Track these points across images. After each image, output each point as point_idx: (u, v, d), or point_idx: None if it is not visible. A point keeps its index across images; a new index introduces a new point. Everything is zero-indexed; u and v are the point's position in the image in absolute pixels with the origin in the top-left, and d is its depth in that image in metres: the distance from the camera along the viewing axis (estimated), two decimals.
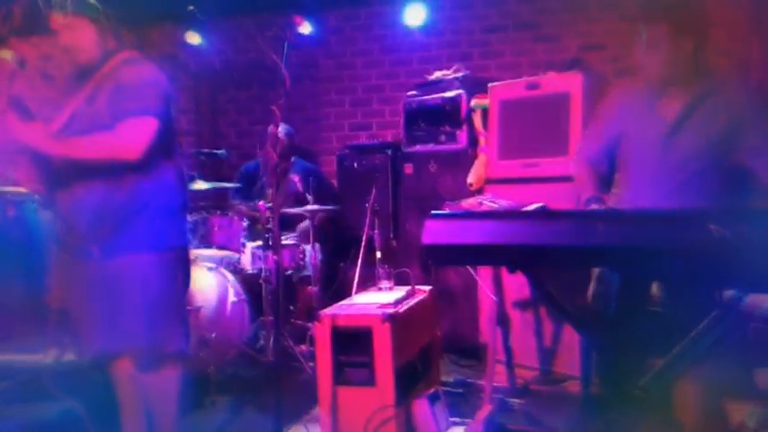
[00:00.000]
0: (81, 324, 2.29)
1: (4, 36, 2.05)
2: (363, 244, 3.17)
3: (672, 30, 2.08)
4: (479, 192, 3.71)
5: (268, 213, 3.56)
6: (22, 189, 4.61)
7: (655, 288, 2.26)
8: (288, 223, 4.22)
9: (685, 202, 2.10)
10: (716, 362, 2.06)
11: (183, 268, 2.38)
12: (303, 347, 3.80)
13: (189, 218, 3.84)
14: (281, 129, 4.32)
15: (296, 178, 4.25)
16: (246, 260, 3.99)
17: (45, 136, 2.13)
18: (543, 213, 2.16)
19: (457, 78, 4.22)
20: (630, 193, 2.31)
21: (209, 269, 3.67)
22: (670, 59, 2.11)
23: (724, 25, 4.14)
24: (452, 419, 2.73)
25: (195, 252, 3.80)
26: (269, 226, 3.52)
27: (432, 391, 2.72)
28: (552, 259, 1.95)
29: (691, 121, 2.15)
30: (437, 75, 4.36)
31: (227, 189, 4.47)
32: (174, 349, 2.28)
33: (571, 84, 3.44)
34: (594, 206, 2.29)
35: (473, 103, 3.96)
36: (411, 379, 2.80)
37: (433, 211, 1.96)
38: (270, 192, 2.70)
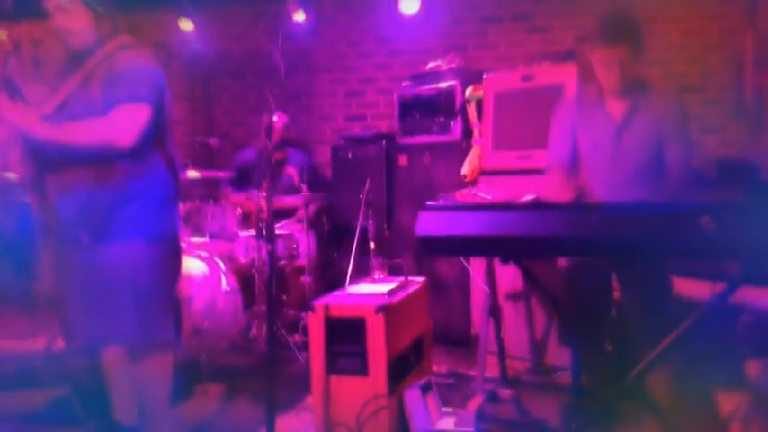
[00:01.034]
0: (70, 311, 2.29)
1: None
2: (357, 234, 3.16)
3: (627, 50, 2.42)
4: (473, 183, 3.72)
5: (262, 202, 3.55)
6: (10, 175, 4.59)
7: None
8: (282, 213, 4.21)
9: (634, 192, 2.38)
10: (704, 353, 2.10)
11: (173, 257, 2.38)
12: (296, 337, 3.81)
13: (182, 207, 3.84)
14: (278, 118, 4.32)
15: (292, 171, 4.24)
16: (240, 249, 3.98)
17: (37, 119, 2.11)
18: (536, 205, 2.18)
19: (451, 69, 4.21)
20: (588, 183, 2.54)
21: (202, 258, 3.66)
22: (622, 73, 2.44)
23: (718, 19, 4.16)
24: (444, 409, 2.74)
25: (188, 241, 3.79)
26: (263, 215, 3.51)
27: (424, 381, 2.73)
28: (544, 250, 1.97)
29: (634, 120, 2.49)
30: (432, 65, 4.34)
31: (219, 178, 4.45)
32: (163, 337, 2.29)
33: (565, 75, 3.44)
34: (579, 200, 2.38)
35: (468, 94, 3.95)
36: (403, 369, 2.81)
37: (427, 203, 1.97)
38: (264, 181, 2.69)
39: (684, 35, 4.21)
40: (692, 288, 2.31)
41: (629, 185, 2.43)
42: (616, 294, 2.54)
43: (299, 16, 4.68)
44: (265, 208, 2.69)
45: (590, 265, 2.45)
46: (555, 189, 2.61)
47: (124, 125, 2.14)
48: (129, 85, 2.15)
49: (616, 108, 2.52)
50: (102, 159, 2.16)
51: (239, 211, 4.03)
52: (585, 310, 2.46)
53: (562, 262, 2.57)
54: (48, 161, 2.20)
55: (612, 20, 2.50)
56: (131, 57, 2.22)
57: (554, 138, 2.71)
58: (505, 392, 3.13)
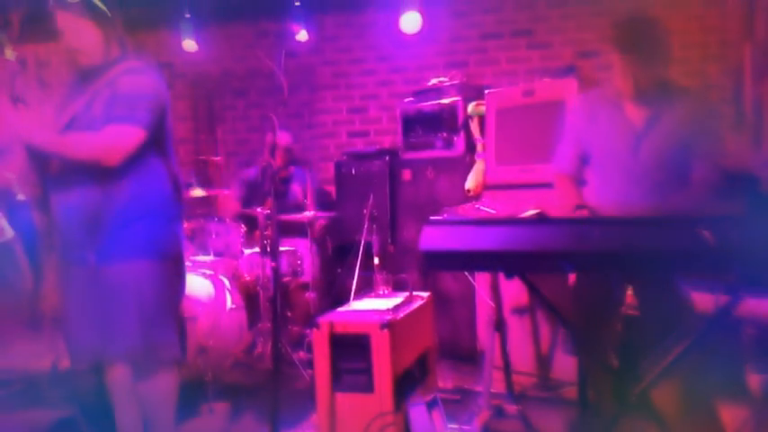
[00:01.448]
0: (75, 329, 2.29)
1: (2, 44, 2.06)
2: (361, 250, 3.17)
3: (641, 58, 2.31)
4: (477, 198, 3.73)
5: (266, 217, 3.56)
6: (19, 196, 4.62)
7: (630, 293, 2.34)
8: (286, 230, 4.22)
9: (656, 201, 2.28)
10: (708, 366, 2.09)
11: (178, 275, 2.38)
12: (301, 354, 3.80)
13: (186, 225, 3.85)
14: (282, 136, 4.35)
15: (296, 188, 4.25)
16: (244, 267, 3.99)
17: (39, 130, 2.14)
18: (540, 219, 2.18)
19: (453, 85, 4.24)
20: (602, 192, 2.43)
21: (207, 276, 3.67)
22: (638, 80, 2.33)
23: (717, 32, 4.19)
24: (450, 426, 2.73)
25: (192, 259, 3.81)
26: (266, 232, 3.53)
27: (429, 397, 2.72)
28: (549, 265, 1.97)
29: (656, 128, 2.35)
30: (434, 81, 4.38)
31: (224, 196, 4.47)
32: (168, 356, 2.28)
33: (566, 90, 3.47)
34: (582, 211, 2.34)
35: (470, 109, 3.98)
36: (409, 385, 2.80)
37: (431, 218, 1.97)
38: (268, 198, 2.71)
39: (684, 48, 4.24)
40: (695, 301, 2.31)
41: (645, 198, 2.32)
42: (622, 308, 2.52)
43: (302, 36, 4.74)
44: (270, 225, 2.71)
45: (597, 278, 2.40)
46: (561, 197, 2.55)
47: (113, 144, 2.16)
48: (128, 107, 2.17)
49: (636, 114, 2.38)
50: (107, 179, 2.18)
51: (244, 228, 4.04)
52: (591, 324, 2.44)
53: (571, 276, 2.54)
54: (53, 180, 2.22)
55: (627, 26, 2.37)
56: (136, 80, 2.24)
57: (563, 140, 2.60)
58: (512, 408, 3.11)
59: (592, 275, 2.40)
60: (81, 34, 2.21)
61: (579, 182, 2.54)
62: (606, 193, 2.42)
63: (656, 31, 2.35)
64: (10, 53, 2.16)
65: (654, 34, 2.34)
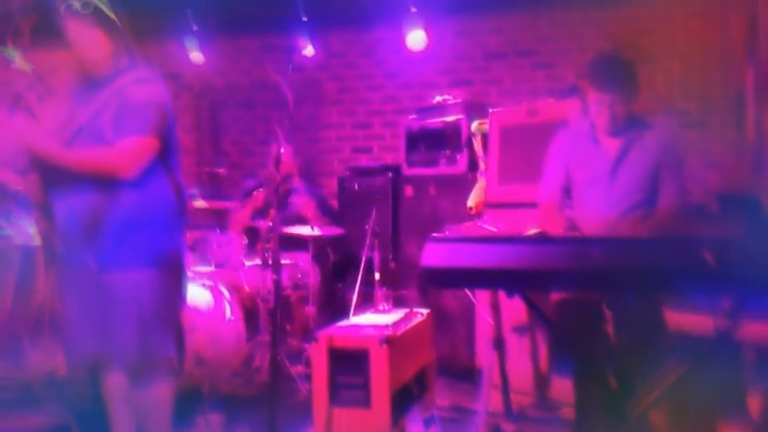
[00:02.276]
0: (73, 334, 2.30)
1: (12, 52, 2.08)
2: (362, 265, 3.17)
3: (615, 96, 2.46)
4: (479, 215, 3.73)
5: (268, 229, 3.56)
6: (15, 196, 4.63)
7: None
8: (287, 243, 4.22)
9: (628, 229, 2.41)
10: (707, 387, 2.08)
11: (178, 284, 2.38)
12: (299, 367, 3.79)
13: (188, 235, 3.86)
14: (286, 149, 4.36)
15: (298, 201, 4.27)
16: (245, 279, 3.99)
17: (46, 140, 2.15)
18: (542, 238, 2.19)
19: (457, 103, 4.27)
20: (585, 215, 2.57)
21: (207, 287, 3.67)
22: (612, 115, 2.49)
23: (719, 55, 4.22)
24: None
25: (193, 269, 3.81)
26: (268, 245, 3.53)
27: (427, 414, 2.71)
28: (550, 283, 1.98)
29: (628, 157, 2.52)
30: (438, 99, 4.41)
31: (227, 207, 4.48)
32: (165, 365, 2.28)
33: (569, 111, 3.48)
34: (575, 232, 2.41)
35: (473, 127, 4.00)
36: (406, 401, 2.79)
37: (433, 234, 1.98)
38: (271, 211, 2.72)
39: (686, 72, 4.27)
40: (694, 322, 2.31)
41: (623, 220, 2.46)
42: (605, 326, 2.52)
43: (308, 50, 4.78)
44: (272, 237, 2.71)
45: (583, 299, 2.43)
46: (547, 223, 2.63)
47: (126, 156, 2.18)
48: (139, 118, 2.19)
49: (611, 145, 2.55)
50: (110, 186, 2.19)
51: (245, 240, 4.05)
52: (585, 345, 2.44)
53: (554, 296, 2.57)
54: (56, 185, 2.23)
55: (602, 65, 2.54)
56: (145, 90, 2.26)
57: (547, 172, 2.74)
58: (509, 427, 3.09)
59: (578, 295, 2.42)
60: (91, 43, 2.23)
61: (563, 212, 2.67)
62: (588, 216, 2.55)
63: (629, 69, 2.50)
64: (22, 63, 2.18)
65: (627, 73, 2.49)
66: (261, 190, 4.33)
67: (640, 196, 2.49)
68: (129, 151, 2.18)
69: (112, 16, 2.24)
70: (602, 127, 2.54)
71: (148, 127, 2.20)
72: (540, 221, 2.67)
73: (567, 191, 2.67)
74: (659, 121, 2.58)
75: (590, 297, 2.42)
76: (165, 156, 2.28)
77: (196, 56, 5.19)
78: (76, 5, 2.18)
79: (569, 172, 2.65)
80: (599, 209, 2.53)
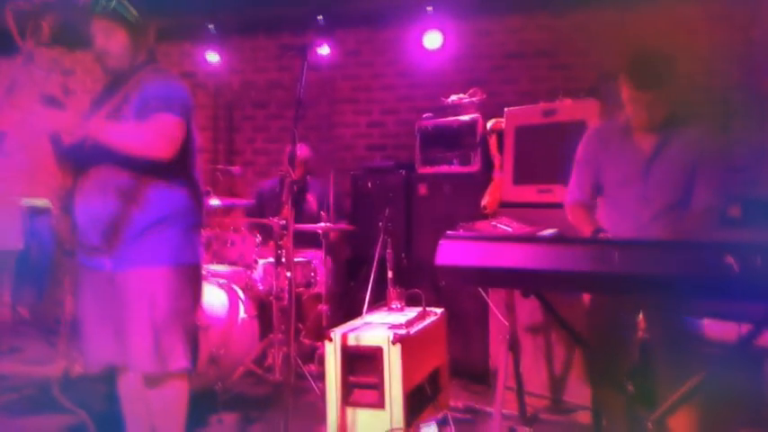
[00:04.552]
0: (89, 333, 2.30)
1: (31, 50, 2.09)
2: (375, 263, 3.16)
3: (655, 95, 2.33)
4: (493, 215, 3.71)
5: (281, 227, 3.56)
6: (35, 201, 4.68)
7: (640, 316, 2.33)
8: (301, 241, 4.22)
9: (661, 228, 2.32)
10: (727, 394, 2.04)
11: (194, 285, 2.37)
12: (311, 367, 3.78)
13: (202, 233, 3.86)
14: (302, 148, 4.37)
15: (312, 198, 4.26)
16: (258, 277, 3.99)
17: (79, 119, 2.12)
18: (559, 239, 2.16)
19: (473, 102, 4.25)
20: (615, 216, 2.48)
21: (221, 286, 3.67)
22: (650, 115, 2.37)
23: (741, 59, 4.15)
24: None
25: (207, 268, 3.81)
26: (282, 242, 3.52)
27: (440, 416, 2.68)
28: (567, 285, 1.94)
29: (663, 153, 2.40)
30: (454, 98, 4.38)
31: (240, 205, 4.49)
32: (179, 365, 2.27)
33: (587, 111, 3.45)
34: (602, 234, 2.34)
35: (489, 126, 3.97)
36: (420, 402, 2.77)
37: (447, 232, 1.96)
38: (285, 209, 2.71)
39: (708, 76, 4.21)
40: (717, 329, 2.26)
41: (656, 221, 2.36)
42: (641, 334, 2.48)
43: (324, 50, 4.77)
44: (286, 235, 2.70)
45: (614, 303, 2.38)
46: (577, 224, 2.57)
47: (161, 135, 2.14)
48: (164, 100, 2.18)
49: (645, 141, 2.44)
50: (128, 184, 2.19)
51: (258, 238, 4.05)
52: (606, 348, 2.40)
53: (585, 298, 2.53)
54: (76, 184, 2.23)
55: (643, 64, 2.37)
56: (165, 78, 2.27)
57: (576, 172, 2.65)
58: (524, 430, 3.06)
59: (607, 298, 2.37)
60: (111, 38, 2.24)
61: (593, 211, 2.58)
62: (618, 217, 2.46)
63: (670, 67, 2.34)
64: (46, 60, 2.20)
65: (668, 71, 2.33)
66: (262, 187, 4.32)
67: (675, 196, 2.38)
68: (162, 130, 2.15)
69: (134, 14, 2.25)
70: (640, 124, 2.42)
71: (174, 108, 2.18)
72: (571, 221, 2.60)
73: (597, 190, 2.58)
74: (698, 120, 2.45)
75: (615, 303, 2.36)
76: (184, 155, 2.28)
77: (212, 55, 5.22)
78: (102, 2, 2.19)
79: (600, 171, 2.54)
80: (631, 209, 2.43)
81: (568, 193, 2.68)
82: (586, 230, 2.47)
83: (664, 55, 2.37)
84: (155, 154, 2.15)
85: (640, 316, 2.43)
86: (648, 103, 2.34)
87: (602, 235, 2.39)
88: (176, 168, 2.26)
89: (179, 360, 2.26)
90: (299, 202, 4.38)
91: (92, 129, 2.11)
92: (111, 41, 2.24)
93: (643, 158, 2.43)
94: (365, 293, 3.03)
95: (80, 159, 2.22)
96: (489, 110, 4.12)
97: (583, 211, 2.58)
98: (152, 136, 2.14)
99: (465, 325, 3.98)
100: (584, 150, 2.63)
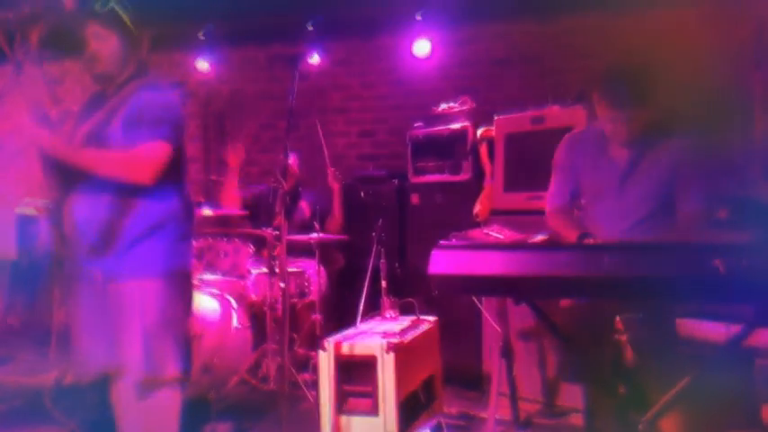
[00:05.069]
0: (82, 343, 2.30)
1: (20, 59, 2.10)
2: (369, 273, 3.17)
3: (630, 114, 2.29)
4: (485, 222, 3.73)
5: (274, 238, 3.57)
6: (26, 209, 4.66)
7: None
8: (293, 250, 4.23)
9: (641, 235, 2.29)
10: (719, 396, 2.07)
11: (185, 295, 2.38)
12: (305, 375, 3.78)
13: (195, 244, 3.86)
14: (293, 158, 4.38)
15: (303, 206, 4.27)
16: (251, 287, 3.99)
17: (63, 143, 2.16)
18: (549, 245, 2.19)
19: (463, 111, 4.28)
20: (593, 226, 2.45)
21: (214, 295, 3.67)
22: (629, 130, 2.33)
23: (728, 61, 4.20)
24: None
25: (200, 278, 3.81)
26: (275, 252, 3.53)
27: (434, 422, 2.70)
28: (558, 291, 1.97)
29: (639, 167, 2.38)
30: (444, 107, 4.42)
31: (233, 215, 4.49)
32: (171, 375, 2.26)
33: (575, 118, 3.49)
34: (588, 239, 2.35)
35: (479, 135, 4.00)
36: (414, 410, 2.78)
37: (440, 242, 1.98)
38: (277, 219, 2.72)
39: (694, 78, 4.26)
40: (707, 330, 2.29)
41: (629, 230, 2.35)
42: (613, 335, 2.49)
43: (314, 59, 4.80)
44: (279, 245, 2.71)
45: (593, 306, 2.38)
46: (559, 229, 2.55)
47: (144, 162, 2.18)
48: (151, 123, 2.19)
49: (620, 156, 2.42)
50: (118, 195, 2.19)
51: (251, 248, 4.06)
52: (596, 352, 2.42)
53: (564, 303, 2.52)
54: (65, 194, 2.24)
55: (614, 82, 2.32)
56: (154, 96, 2.27)
57: (555, 179, 2.64)
58: None
59: (591, 302, 2.38)
60: (102, 42, 2.24)
61: (573, 219, 2.56)
62: (596, 227, 2.45)
63: (645, 83, 2.29)
64: (34, 69, 2.20)
65: (642, 87, 2.28)
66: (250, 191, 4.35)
67: (650, 209, 2.36)
68: (145, 157, 2.18)
69: (128, 21, 2.26)
70: (617, 139, 2.39)
71: (162, 133, 2.20)
72: (553, 228, 2.60)
73: (577, 196, 2.58)
74: (676, 130, 2.40)
75: (600, 305, 2.38)
76: (175, 166, 2.29)
77: (202, 64, 5.23)
78: (98, 4, 2.20)
79: (578, 178, 2.54)
80: (607, 223, 2.41)
81: (548, 202, 2.66)
82: (571, 236, 2.46)
83: (639, 72, 2.33)
84: (136, 180, 2.18)
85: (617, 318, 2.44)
86: (625, 119, 2.31)
87: (588, 239, 2.40)
88: (167, 178, 2.26)
89: (171, 367, 2.25)
90: (290, 211, 4.39)
91: (71, 153, 2.14)
92: (103, 46, 2.24)
93: (617, 174, 2.41)
94: (359, 303, 3.04)
95: (69, 169, 2.22)
96: (479, 117, 4.15)
97: (563, 218, 2.57)
98: (136, 164, 2.18)
99: (458, 332, 3.99)
100: (563, 156, 2.62)
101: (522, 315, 3.45)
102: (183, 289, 2.35)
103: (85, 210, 2.21)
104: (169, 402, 2.32)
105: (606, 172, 2.44)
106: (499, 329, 3.18)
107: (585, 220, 2.53)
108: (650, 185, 2.37)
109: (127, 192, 2.20)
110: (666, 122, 2.43)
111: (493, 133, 3.89)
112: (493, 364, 3.17)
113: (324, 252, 4.12)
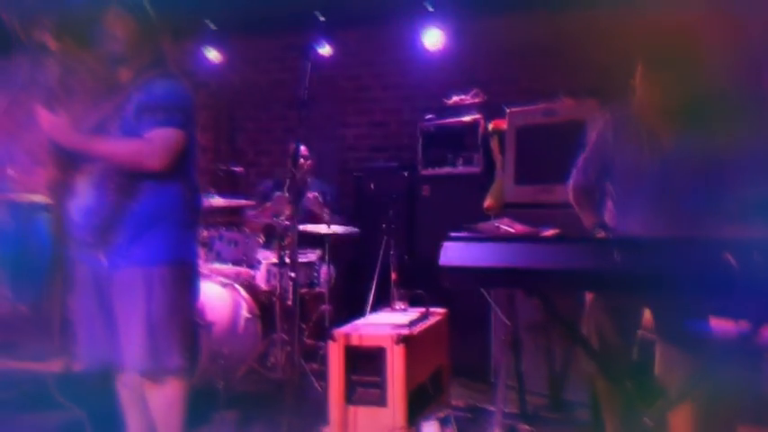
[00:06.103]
0: (85, 332, 2.31)
1: (35, 49, 2.11)
2: (378, 264, 3.18)
3: (675, 75, 2.19)
4: (496, 215, 3.72)
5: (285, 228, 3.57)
6: (31, 197, 4.68)
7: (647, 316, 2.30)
8: (303, 241, 4.24)
9: (684, 223, 2.16)
10: (728, 391, 2.06)
11: (189, 282, 2.37)
12: (314, 365, 3.80)
13: (205, 233, 3.88)
14: (305, 148, 4.38)
15: (312, 196, 4.28)
16: (261, 277, 4.01)
17: (73, 131, 2.17)
18: (561, 238, 2.18)
19: (474, 103, 4.27)
20: (625, 216, 2.35)
21: (223, 285, 3.69)
22: (670, 99, 2.22)
23: (739, 55, 4.16)
24: None
25: (210, 267, 3.83)
26: (285, 243, 3.54)
27: (442, 414, 2.70)
28: (569, 284, 1.96)
29: (686, 150, 2.22)
30: (455, 99, 4.40)
31: (243, 205, 4.50)
32: (174, 365, 2.26)
33: (587, 111, 3.47)
34: (601, 232, 2.32)
35: (490, 127, 3.99)
36: (422, 401, 2.79)
37: (451, 233, 1.98)
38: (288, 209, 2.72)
39: (711, 75, 4.21)
40: (716, 326, 2.27)
41: (669, 226, 2.21)
42: (639, 332, 2.49)
43: (325, 50, 4.78)
44: (290, 235, 2.72)
45: (614, 300, 2.36)
46: (579, 209, 2.51)
47: (157, 149, 2.19)
48: (164, 111, 2.20)
49: (663, 134, 2.28)
50: (125, 183, 2.20)
51: (261, 238, 4.07)
52: (606, 346, 2.41)
53: (589, 296, 2.51)
54: (73, 181, 2.25)
55: (657, 42, 2.24)
56: (167, 84, 2.27)
57: (584, 158, 2.52)
58: (524, 428, 3.08)
59: (609, 296, 2.37)
60: (120, 26, 2.24)
61: (596, 200, 2.47)
62: (628, 218, 2.34)
63: (690, 44, 2.22)
64: (49, 58, 2.21)
65: (687, 48, 2.20)
66: (280, 194, 4.35)
67: (695, 204, 2.19)
68: (160, 143, 2.19)
69: (148, 9, 2.27)
70: (657, 112, 2.26)
71: (174, 120, 2.21)
72: (574, 204, 2.52)
73: (602, 177, 2.43)
74: (723, 104, 2.28)
75: (616, 300, 2.35)
76: (185, 156, 2.29)
77: (213, 54, 5.23)
78: None
79: (611, 157, 2.38)
80: (641, 215, 2.27)
81: (572, 177, 2.58)
82: (588, 221, 2.42)
83: (682, 31, 2.27)
84: (149, 168, 2.19)
85: (646, 314, 2.41)
86: (662, 86, 2.21)
87: (602, 232, 2.35)
88: (176, 170, 2.26)
89: (175, 358, 2.26)
90: (300, 201, 4.39)
91: (83, 142, 2.16)
92: (121, 27, 2.24)
93: (661, 154, 2.27)
94: (368, 294, 3.05)
95: (75, 155, 2.23)
96: (491, 110, 4.14)
97: (583, 198, 2.49)
98: (149, 152, 2.19)
99: (467, 324, 3.99)
100: (596, 133, 2.48)
101: (530, 308, 3.45)
102: (187, 277, 2.35)
103: (90, 196, 2.22)
104: (174, 392, 2.32)
105: (647, 154, 2.28)
106: (508, 322, 3.18)
107: (618, 208, 2.39)
108: (696, 166, 2.20)
109: (132, 180, 2.21)
110: (712, 96, 2.31)
111: (504, 126, 3.87)
112: (501, 356, 3.17)
113: (332, 246, 4.13)
